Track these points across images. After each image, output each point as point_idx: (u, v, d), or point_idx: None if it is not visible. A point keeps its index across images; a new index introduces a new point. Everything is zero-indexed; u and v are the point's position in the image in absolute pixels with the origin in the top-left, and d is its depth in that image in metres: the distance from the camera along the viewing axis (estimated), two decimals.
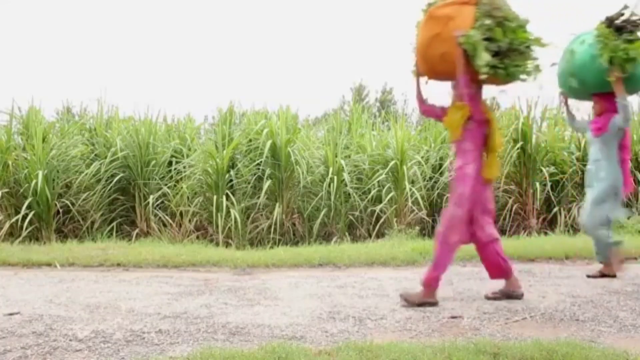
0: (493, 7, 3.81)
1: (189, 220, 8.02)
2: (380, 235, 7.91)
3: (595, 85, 4.70)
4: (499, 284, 4.19)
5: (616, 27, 4.52)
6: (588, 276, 4.92)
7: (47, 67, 42.85)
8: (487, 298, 4.13)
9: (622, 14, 4.55)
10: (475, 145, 3.98)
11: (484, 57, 3.71)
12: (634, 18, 4.54)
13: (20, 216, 7.66)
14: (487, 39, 3.76)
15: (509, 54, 3.79)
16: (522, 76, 3.87)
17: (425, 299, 3.92)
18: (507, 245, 6.32)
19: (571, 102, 5.23)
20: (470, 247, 6.05)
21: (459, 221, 3.96)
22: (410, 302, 3.91)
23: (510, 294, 4.11)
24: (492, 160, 4.01)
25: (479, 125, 3.96)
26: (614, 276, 4.84)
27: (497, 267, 4.13)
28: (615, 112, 4.69)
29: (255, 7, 55.99)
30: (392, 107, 26.19)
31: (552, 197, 8.47)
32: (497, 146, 4.01)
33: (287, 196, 8.19)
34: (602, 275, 4.89)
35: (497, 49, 3.76)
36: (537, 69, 3.89)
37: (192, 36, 50.69)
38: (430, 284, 3.96)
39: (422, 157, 8.81)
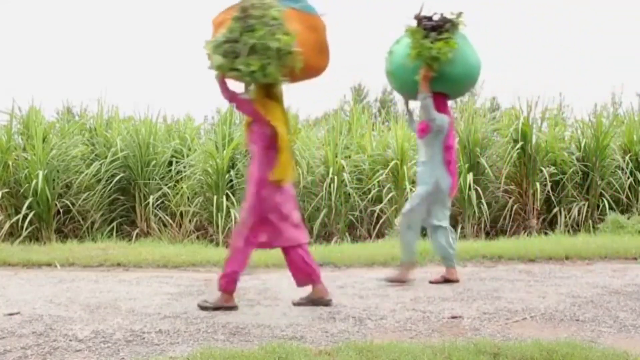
0: (245, 10, 3.69)
1: (189, 221, 8.02)
2: (380, 235, 7.90)
3: (412, 85, 4.65)
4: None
5: (424, 26, 4.58)
6: (431, 282, 4.73)
7: (47, 67, 42.88)
8: (294, 304, 3.97)
9: (426, 14, 4.62)
10: (259, 147, 3.87)
11: (214, 60, 3.69)
12: (435, 18, 4.61)
13: (20, 216, 7.66)
14: (233, 41, 3.66)
15: (251, 55, 3.64)
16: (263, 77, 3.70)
17: (222, 304, 3.83)
18: (507, 245, 6.37)
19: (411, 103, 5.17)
20: (477, 248, 6.09)
21: (244, 226, 3.88)
22: (205, 307, 3.83)
23: (316, 301, 3.93)
24: (282, 161, 3.82)
25: (260, 126, 3.85)
26: (456, 281, 4.69)
27: (302, 273, 3.97)
28: (443, 112, 4.66)
29: None
30: (392, 107, 26.18)
31: (552, 197, 8.47)
32: (284, 147, 3.82)
33: None
34: (445, 280, 4.71)
35: (235, 50, 3.65)
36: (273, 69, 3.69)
37: (192, 36, 50.70)
38: (225, 288, 3.86)
39: None
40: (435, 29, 4.55)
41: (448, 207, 4.82)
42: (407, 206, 4.83)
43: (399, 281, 4.69)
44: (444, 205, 4.76)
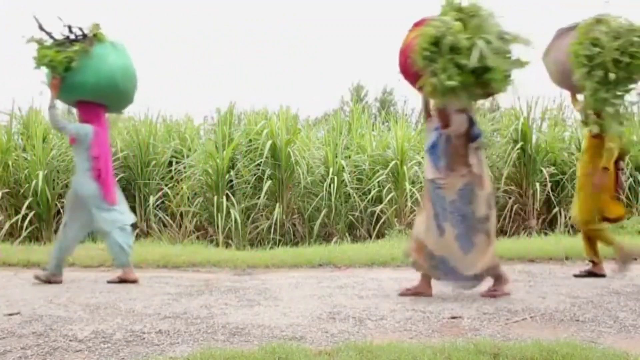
0: None
1: (189, 221, 8.02)
2: (380, 235, 7.91)
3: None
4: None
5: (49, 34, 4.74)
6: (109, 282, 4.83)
7: None
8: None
9: (46, 30, 4.75)
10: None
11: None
12: (47, 29, 4.74)
13: (20, 216, 7.66)
14: None
15: None
16: None
17: None
18: (507, 245, 6.36)
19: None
20: None
21: None
22: None
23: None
24: None
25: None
26: (134, 281, 4.78)
27: None
28: (93, 123, 4.75)
29: (255, 7, 56.01)
30: (392, 107, 26.18)
31: (552, 198, 8.47)
32: None
33: (287, 196, 8.19)
34: (122, 280, 4.79)
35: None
36: None
37: (191, 36, 50.73)
38: None
39: (422, 157, 8.80)
40: (73, 40, 4.70)
41: (114, 209, 4.83)
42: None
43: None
44: (105, 209, 4.77)
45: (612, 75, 4.26)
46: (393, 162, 8.28)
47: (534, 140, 8.58)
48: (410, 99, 22.44)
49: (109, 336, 3.21)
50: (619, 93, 4.42)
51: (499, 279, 4.27)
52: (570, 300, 4.06)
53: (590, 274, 4.98)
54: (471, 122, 4.15)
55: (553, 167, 8.64)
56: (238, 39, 48.74)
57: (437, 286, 4.63)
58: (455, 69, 3.79)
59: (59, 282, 4.84)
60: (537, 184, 8.34)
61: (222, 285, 4.71)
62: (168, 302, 4.09)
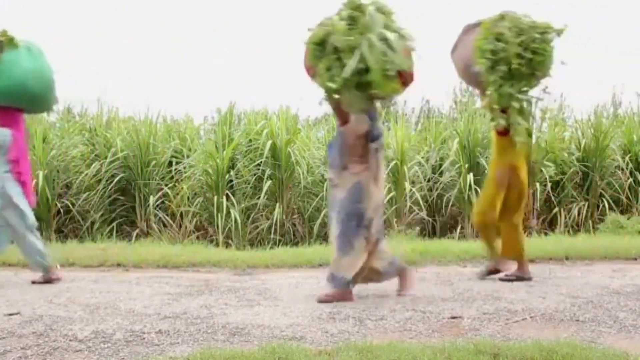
0: None
1: (189, 221, 8.01)
2: None
3: None
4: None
5: None
6: (33, 282, 4.84)
7: None
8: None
9: None
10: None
11: None
12: None
13: None
14: None
15: None
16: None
17: None
18: None
19: None
20: (477, 248, 6.08)
21: None
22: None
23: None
24: None
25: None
26: (58, 279, 4.83)
27: None
28: (8, 127, 4.73)
29: (255, 7, 55.94)
30: (392, 107, 26.16)
31: (552, 198, 8.47)
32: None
33: (287, 196, 8.19)
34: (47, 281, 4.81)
35: None
36: None
37: (191, 36, 50.64)
38: None
39: (422, 158, 8.80)
40: None
41: (30, 211, 4.83)
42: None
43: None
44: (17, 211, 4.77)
45: (514, 66, 4.34)
46: (393, 162, 8.27)
47: (533, 140, 8.56)
48: (410, 99, 22.40)
49: (109, 336, 3.21)
50: (523, 88, 4.49)
51: (403, 279, 4.26)
52: (570, 300, 4.06)
53: (517, 277, 4.81)
54: (372, 123, 4.06)
55: (553, 167, 8.63)
56: (238, 39, 48.65)
57: (437, 286, 4.63)
58: (340, 69, 3.78)
59: (59, 278, 4.85)
60: (537, 184, 8.34)
61: (222, 285, 4.71)
62: (168, 302, 4.09)
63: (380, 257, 4.18)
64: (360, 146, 4.05)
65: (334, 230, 4.12)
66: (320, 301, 4.04)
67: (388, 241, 7.10)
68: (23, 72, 4.69)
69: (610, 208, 8.30)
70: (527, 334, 3.22)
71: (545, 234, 7.97)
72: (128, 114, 9.76)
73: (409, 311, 3.78)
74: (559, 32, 4.53)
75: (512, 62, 4.35)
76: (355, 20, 3.84)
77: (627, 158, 8.70)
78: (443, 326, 3.43)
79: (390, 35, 3.83)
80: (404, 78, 3.96)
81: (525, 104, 4.57)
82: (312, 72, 4.04)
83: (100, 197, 8.23)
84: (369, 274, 4.19)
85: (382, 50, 3.78)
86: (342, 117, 4.07)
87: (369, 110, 4.05)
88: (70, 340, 3.15)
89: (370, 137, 4.06)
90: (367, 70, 3.79)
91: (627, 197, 8.48)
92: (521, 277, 4.82)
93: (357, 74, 3.80)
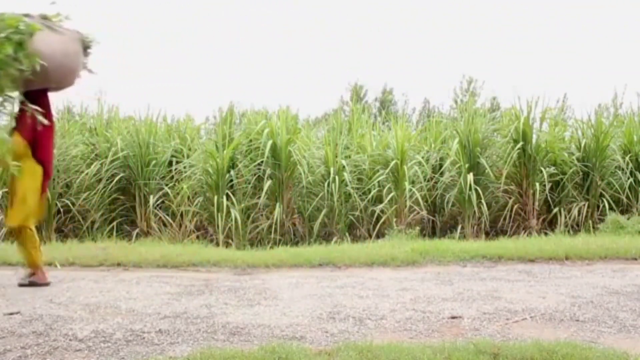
0: None
1: (190, 220, 8.02)
2: (380, 235, 7.90)
3: None
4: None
5: None
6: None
7: None
8: None
9: None
10: None
11: None
12: None
13: None
14: None
15: None
16: None
17: None
18: (507, 245, 6.36)
19: None
20: (477, 248, 6.09)
21: None
22: None
23: None
24: None
25: None
26: None
27: None
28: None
29: (254, 7, 56.00)
30: (392, 107, 26.18)
31: (552, 198, 8.47)
32: None
33: (287, 196, 8.19)
34: None
35: None
36: None
37: (192, 36, 50.70)
38: None
39: (422, 157, 8.81)
40: None
41: None
42: None
43: None
44: None
45: None
46: (393, 162, 8.28)
47: (534, 140, 8.58)
48: (410, 99, 22.44)
49: (109, 336, 3.21)
50: None
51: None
52: (570, 300, 4.06)
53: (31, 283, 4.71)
54: None
55: (553, 167, 8.63)
56: (238, 39, 48.67)
57: (438, 286, 4.64)
58: None
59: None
60: (537, 184, 8.34)
61: (222, 285, 4.71)
62: (168, 301, 4.09)
63: None
64: None
65: None
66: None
67: (388, 241, 7.13)
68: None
69: (611, 208, 8.30)
70: (527, 334, 3.22)
71: (545, 234, 7.96)
72: (128, 114, 9.78)
73: (409, 311, 3.78)
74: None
75: None
76: None
77: (627, 158, 8.69)
78: (443, 326, 3.43)
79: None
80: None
81: None
82: None
83: (100, 196, 8.25)
84: None
85: None
86: None
87: None
88: (70, 339, 3.15)
89: None
90: None
91: (627, 197, 8.47)
92: None
93: None
